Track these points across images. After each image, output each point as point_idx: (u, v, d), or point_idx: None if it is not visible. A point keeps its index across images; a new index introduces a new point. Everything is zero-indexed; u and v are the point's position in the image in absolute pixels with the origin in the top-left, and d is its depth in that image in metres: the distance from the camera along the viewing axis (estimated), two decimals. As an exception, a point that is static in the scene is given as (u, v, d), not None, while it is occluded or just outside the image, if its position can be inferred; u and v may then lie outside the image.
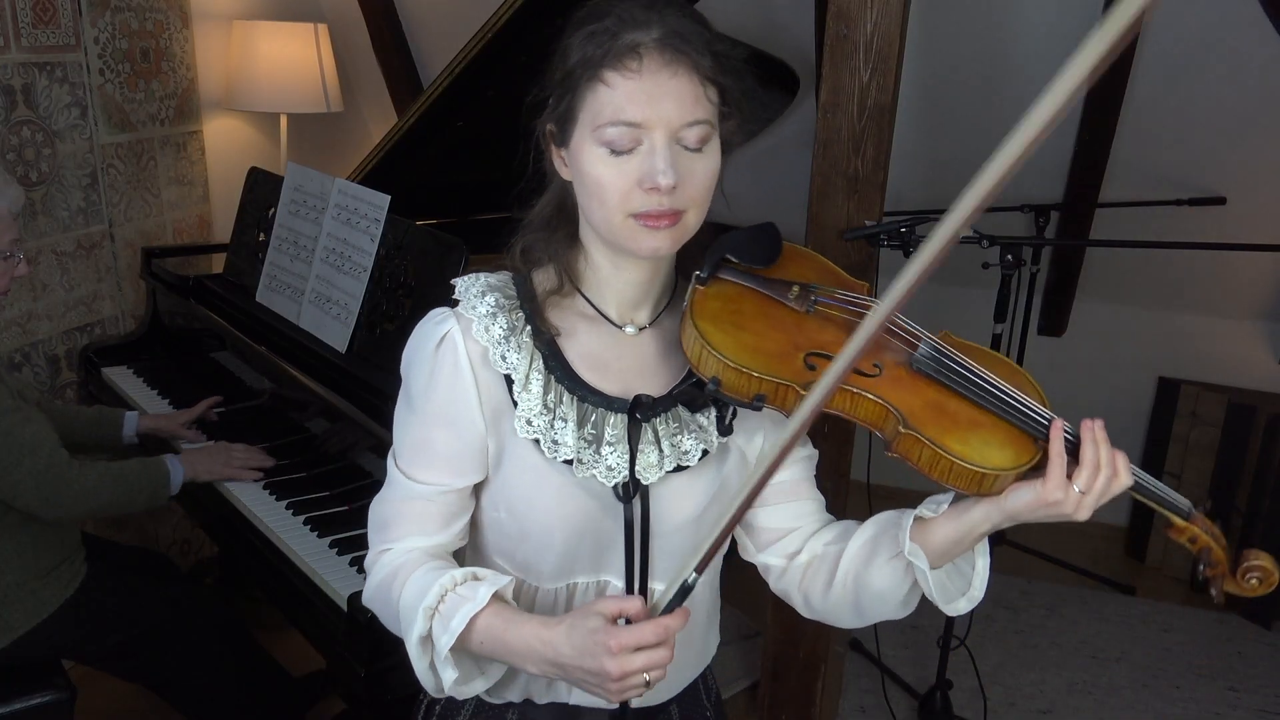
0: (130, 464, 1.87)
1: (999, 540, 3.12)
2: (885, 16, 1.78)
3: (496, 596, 0.93)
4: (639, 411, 0.97)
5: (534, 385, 0.97)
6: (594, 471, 0.97)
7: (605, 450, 0.97)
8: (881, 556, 1.02)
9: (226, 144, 3.01)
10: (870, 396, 0.94)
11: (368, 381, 1.77)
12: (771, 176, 3.15)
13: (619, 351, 1.01)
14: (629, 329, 1.01)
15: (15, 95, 2.27)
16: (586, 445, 0.97)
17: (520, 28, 2.03)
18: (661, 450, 0.98)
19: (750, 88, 0.96)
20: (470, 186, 2.53)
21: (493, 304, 0.98)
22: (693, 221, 0.94)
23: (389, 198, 1.93)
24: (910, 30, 1.86)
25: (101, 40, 2.49)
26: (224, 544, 2.28)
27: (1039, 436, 0.94)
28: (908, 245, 1.91)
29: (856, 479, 2.21)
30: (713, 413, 1.01)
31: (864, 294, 1.03)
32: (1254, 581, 1.02)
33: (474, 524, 1.05)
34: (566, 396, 0.98)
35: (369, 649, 1.48)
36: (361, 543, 1.20)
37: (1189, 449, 3.16)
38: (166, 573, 2.16)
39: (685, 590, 0.90)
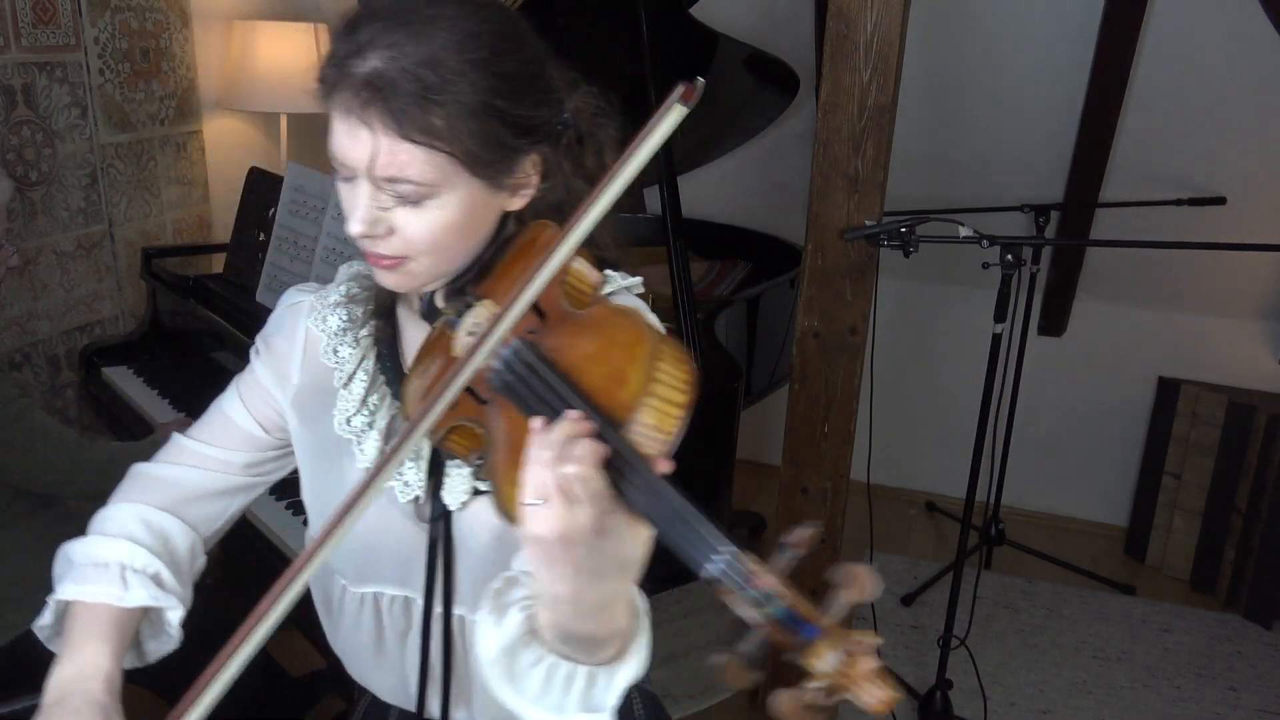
0: (142, 445, 1.94)
1: (999, 541, 3.12)
2: (885, 16, 1.78)
3: (134, 615, 0.93)
4: None
5: (356, 385, 0.95)
6: (392, 484, 0.93)
7: (407, 465, 0.93)
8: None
9: (226, 144, 3.01)
10: (467, 427, 0.79)
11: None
12: (771, 176, 3.15)
13: None
14: None
15: (15, 95, 2.27)
16: None
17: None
18: (464, 471, 0.92)
19: (500, 133, 0.81)
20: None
21: (343, 294, 0.97)
22: (421, 268, 0.85)
23: (389, 198, 1.93)
24: (910, 30, 1.86)
25: (101, 40, 2.49)
26: (224, 544, 2.28)
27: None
28: (907, 245, 1.91)
29: (857, 479, 2.21)
30: None
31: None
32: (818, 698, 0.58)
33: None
34: (389, 401, 0.95)
35: (369, 649, 1.48)
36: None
37: (1189, 449, 3.16)
38: (166, 573, 2.17)
39: None
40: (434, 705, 1.03)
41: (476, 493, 0.93)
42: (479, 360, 0.73)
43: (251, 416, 1.00)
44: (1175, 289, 3.18)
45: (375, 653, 1.04)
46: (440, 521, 0.93)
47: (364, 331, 0.96)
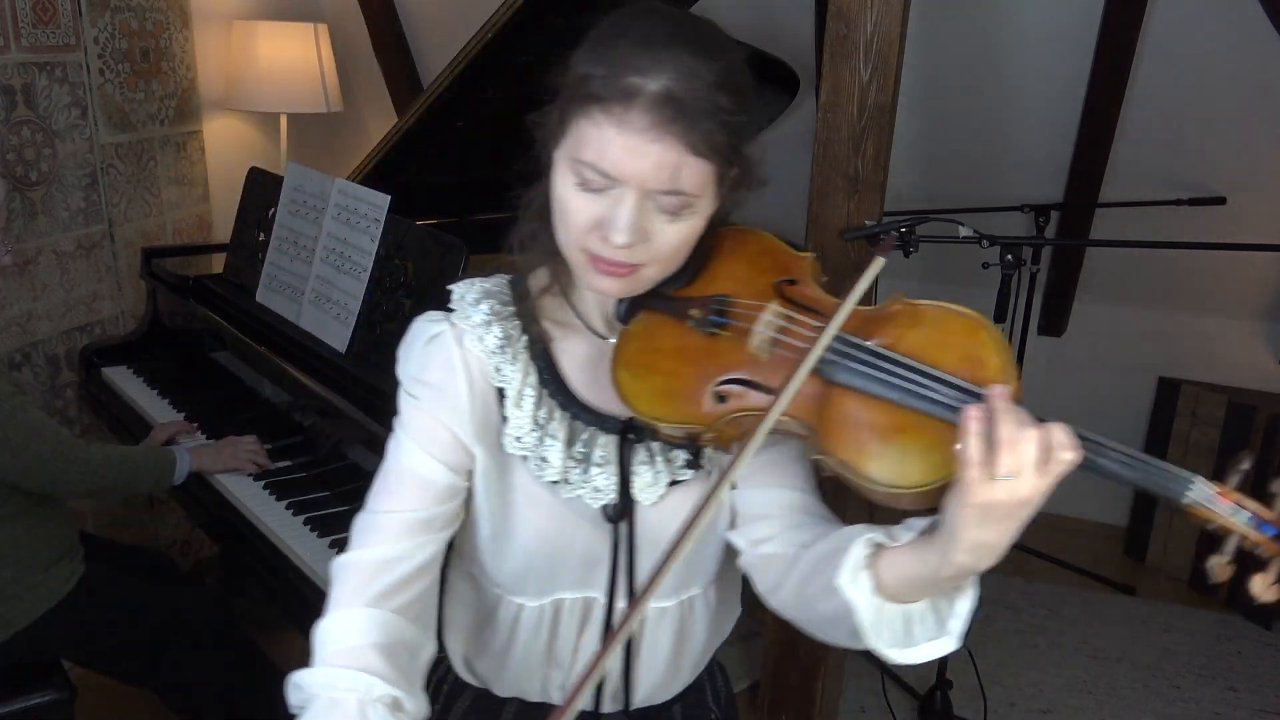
0: (138, 449, 1.96)
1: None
2: (885, 16, 1.78)
3: None
4: (633, 432, 0.94)
5: (526, 401, 0.94)
6: (580, 492, 0.95)
7: (594, 471, 0.94)
8: (826, 577, 0.85)
9: (226, 144, 3.01)
10: (785, 420, 0.84)
11: (367, 381, 1.77)
12: (772, 176, 3.15)
13: (606, 364, 0.95)
14: (614, 340, 0.95)
15: (15, 95, 2.27)
16: (575, 464, 0.94)
17: (521, 28, 2.03)
18: (656, 467, 0.96)
19: (749, 143, 0.89)
20: (470, 186, 2.53)
21: (487, 312, 0.95)
22: (652, 275, 0.89)
23: (389, 198, 1.93)
24: (910, 30, 1.86)
25: (101, 40, 2.49)
26: (224, 544, 2.28)
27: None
28: (908, 245, 1.92)
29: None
30: None
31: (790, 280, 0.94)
32: None
33: (462, 534, 1.01)
34: (558, 413, 0.95)
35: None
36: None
37: (1189, 449, 3.16)
38: (166, 573, 2.16)
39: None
40: (604, 697, 1.07)
41: (672, 483, 0.96)
42: (813, 360, 0.83)
43: (443, 465, 0.94)
44: (1175, 289, 3.18)
45: (546, 659, 1.04)
46: (627, 519, 0.96)
47: (520, 346, 0.95)
